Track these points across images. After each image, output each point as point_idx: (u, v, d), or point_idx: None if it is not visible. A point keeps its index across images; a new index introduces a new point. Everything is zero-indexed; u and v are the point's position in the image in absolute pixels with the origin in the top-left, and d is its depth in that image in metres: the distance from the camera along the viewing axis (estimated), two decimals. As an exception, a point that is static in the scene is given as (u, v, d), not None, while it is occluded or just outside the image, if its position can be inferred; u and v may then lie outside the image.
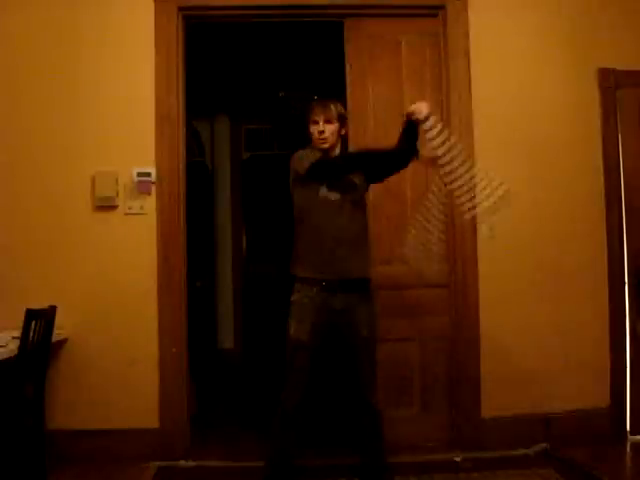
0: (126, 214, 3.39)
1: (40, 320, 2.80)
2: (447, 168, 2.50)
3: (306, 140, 2.87)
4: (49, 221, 3.36)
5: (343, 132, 2.81)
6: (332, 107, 2.75)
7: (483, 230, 2.77)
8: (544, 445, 3.38)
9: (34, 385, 2.92)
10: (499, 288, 3.47)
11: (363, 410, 2.71)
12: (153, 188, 3.39)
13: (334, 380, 3.19)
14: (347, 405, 2.82)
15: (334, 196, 2.68)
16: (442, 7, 3.55)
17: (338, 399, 2.95)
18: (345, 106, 3.41)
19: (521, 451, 3.34)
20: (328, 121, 2.72)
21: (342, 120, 2.78)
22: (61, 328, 3.13)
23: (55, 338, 3.05)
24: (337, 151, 2.79)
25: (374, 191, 3.12)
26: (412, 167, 3.52)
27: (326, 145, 2.73)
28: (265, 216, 6.26)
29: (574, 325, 3.50)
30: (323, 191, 2.68)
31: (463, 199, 2.50)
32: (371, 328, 2.73)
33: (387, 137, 3.51)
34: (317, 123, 2.72)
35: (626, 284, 3.57)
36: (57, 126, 3.39)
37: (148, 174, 3.38)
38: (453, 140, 2.51)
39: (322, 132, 2.71)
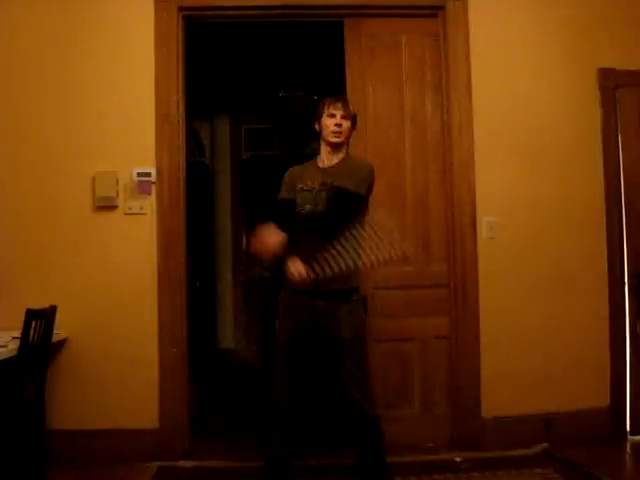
0: (126, 214, 3.39)
1: (40, 320, 2.80)
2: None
3: (305, 140, 2.86)
4: (49, 221, 3.36)
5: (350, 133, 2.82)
6: (350, 105, 2.79)
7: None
8: (544, 445, 3.38)
9: (34, 385, 2.92)
10: (499, 288, 3.47)
11: (355, 415, 2.63)
12: (153, 188, 3.39)
13: (329, 381, 3.17)
14: (341, 408, 2.77)
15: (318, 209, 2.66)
16: (442, 7, 3.55)
17: (335, 400, 2.93)
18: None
19: (521, 451, 3.34)
20: (345, 117, 2.72)
21: (354, 122, 2.79)
22: (61, 328, 3.13)
23: (55, 338, 3.05)
24: (344, 151, 2.78)
25: (374, 190, 3.11)
26: (411, 166, 3.59)
27: (340, 139, 2.72)
28: (265, 216, 6.25)
29: (574, 325, 3.49)
30: (307, 208, 2.67)
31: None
32: (354, 329, 2.64)
33: (387, 137, 3.57)
34: (334, 116, 2.70)
35: (626, 285, 3.57)
36: (57, 126, 3.39)
37: (148, 174, 3.38)
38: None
39: (340, 125, 2.69)
